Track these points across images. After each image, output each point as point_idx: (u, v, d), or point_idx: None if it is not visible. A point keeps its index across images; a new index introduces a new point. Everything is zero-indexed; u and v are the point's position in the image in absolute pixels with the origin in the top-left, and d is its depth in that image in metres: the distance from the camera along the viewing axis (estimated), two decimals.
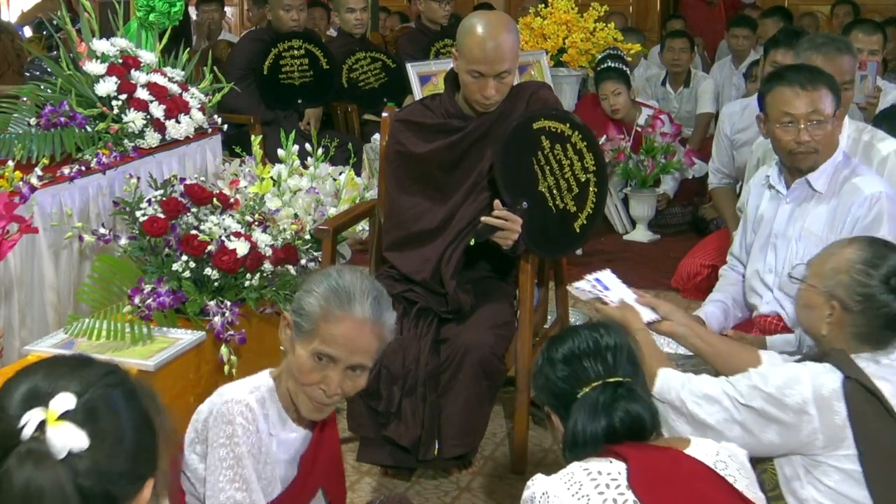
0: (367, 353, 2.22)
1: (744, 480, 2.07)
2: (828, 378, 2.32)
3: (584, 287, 2.86)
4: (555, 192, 3.40)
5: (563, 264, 3.81)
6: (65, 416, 1.27)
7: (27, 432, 1.26)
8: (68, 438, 1.26)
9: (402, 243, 3.51)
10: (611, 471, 2.00)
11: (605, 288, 2.85)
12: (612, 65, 6.17)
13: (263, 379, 2.31)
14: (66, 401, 1.28)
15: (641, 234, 5.95)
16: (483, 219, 3.27)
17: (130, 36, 4.25)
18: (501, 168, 3.33)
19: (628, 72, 6.30)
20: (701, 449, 2.09)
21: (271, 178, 4.28)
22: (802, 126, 3.13)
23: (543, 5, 6.41)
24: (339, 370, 2.20)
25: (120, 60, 4.01)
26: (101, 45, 3.99)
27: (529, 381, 3.56)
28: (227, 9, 9.83)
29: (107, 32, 4.17)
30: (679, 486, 2.00)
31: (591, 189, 3.46)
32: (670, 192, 6.23)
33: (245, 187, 3.96)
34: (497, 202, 3.27)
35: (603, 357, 2.10)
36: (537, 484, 2.03)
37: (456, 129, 3.47)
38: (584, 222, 3.47)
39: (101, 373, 1.35)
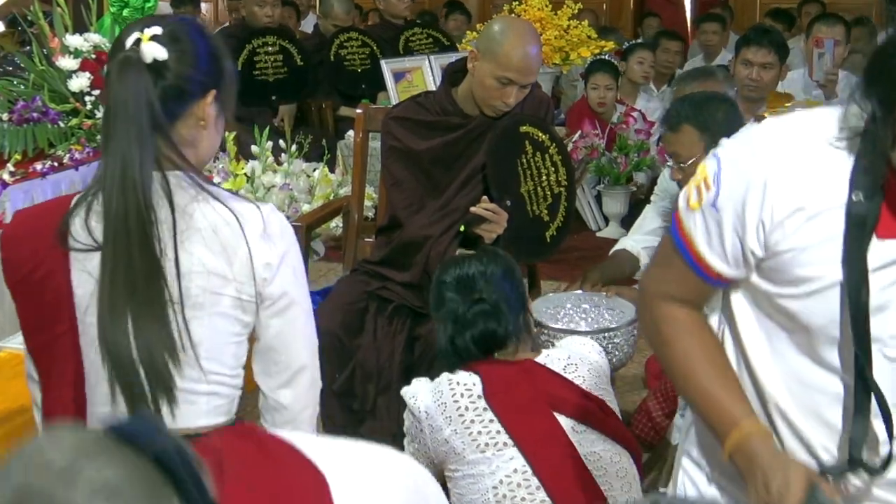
0: None
1: (592, 379, 2.54)
2: None
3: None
4: (533, 197, 3.42)
5: (537, 265, 3.84)
6: (153, 38, 1.85)
7: (127, 46, 1.86)
8: (154, 51, 1.85)
9: (395, 237, 3.51)
10: (467, 382, 2.50)
11: None
12: (607, 58, 6.23)
13: None
14: (155, 29, 1.87)
15: (614, 231, 5.97)
16: (472, 209, 3.29)
17: (104, 31, 4.23)
18: (492, 163, 3.35)
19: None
20: (553, 356, 2.57)
21: (245, 174, 4.29)
22: (673, 165, 3.24)
23: (517, 2, 6.43)
24: None
25: (93, 56, 3.99)
26: (74, 41, 3.98)
27: None
28: (202, 5, 9.80)
29: (80, 28, 4.15)
30: (524, 389, 2.48)
31: (562, 202, 3.51)
32: (644, 185, 6.26)
33: (219, 183, 3.96)
34: (485, 196, 3.29)
35: (474, 280, 2.61)
36: (412, 387, 2.59)
37: (455, 126, 3.46)
38: (555, 233, 3.50)
39: (185, 19, 2.05)
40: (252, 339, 2.00)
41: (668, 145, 3.24)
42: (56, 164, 3.61)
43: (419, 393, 2.56)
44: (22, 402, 2.58)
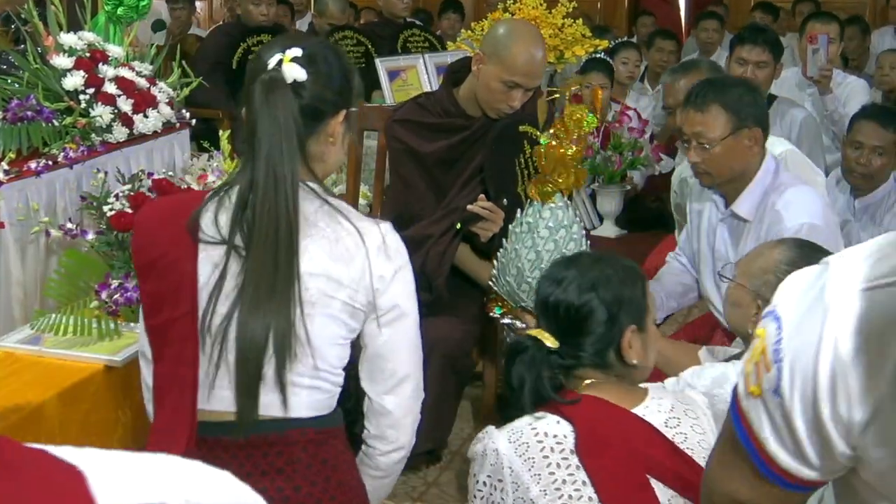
0: None
1: (696, 437, 2.13)
2: None
3: None
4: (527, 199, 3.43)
5: None
6: (294, 59, 2.01)
7: (270, 66, 2.02)
8: (295, 72, 2.00)
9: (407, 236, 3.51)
10: (556, 433, 2.11)
11: None
12: (602, 56, 6.23)
13: None
14: (296, 51, 2.02)
15: (609, 230, 5.97)
16: (469, 207, 3.29)
17: (98, 30, 4.23)
18: (490, 162, 3.35)
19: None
20: (654, 406, 2.17)
21: None
22: (691, 146, 3.13)
23: (512, 1, 6.42)
24: None
25: (87, 54, 3.98)
26: (68, 39, 3.97)
27: (496, 376, 3.58)
28: (196, 3, 9.78)
29: (74, 26, 4.14)
30: (621, 449, 2.10)
31: None
32: (638, 184, 6.26)
33: (213, 182, 3.96)
34: (482, 195, 3.29)
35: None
36: (488, 438, 2.19)
37: (459, 128, 3.47)
38: None
39: (320, 40, 2.21)
40: (358, 344, 2.13)
41: (692, 125, 3.13)
42: (51, 162, 3.61)
43: (499, 443, 2.17)
44: (16, 401, 2.58)
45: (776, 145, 3.51)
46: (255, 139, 2.00)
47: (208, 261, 2.01)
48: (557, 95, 3.38)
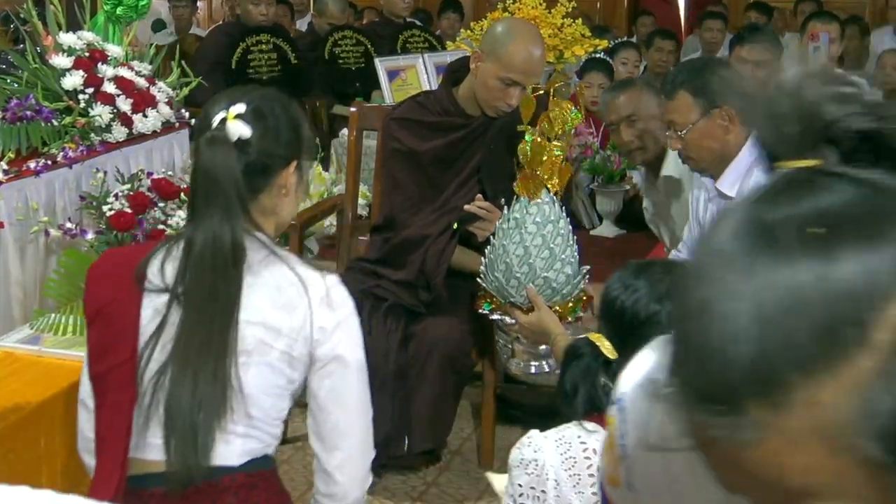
0: None
1: None
2: None
3: None
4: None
5: None
6: (238, 116, 1.98)
7: (214, 125, 1.98)
8: (239, 129, 1.97)
9: (393, 236, 3.51)
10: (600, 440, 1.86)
11: None
12: (601, 56, 6.23)
13: None
14: (240, 107, 1.99)
15: (608, 230, 5.97)
16: (466, 206, 3.29)
17: (97, 29, 4.23)
18: (487, 161, 3.35)
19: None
20: None
21: None
22: (671, 134, 3.21)
23: (511, 1, 6.42)
24: None
25: (87, 54, 3.98)
26: (67, 39, 3.97)
27: (496, 376, 3.58)
28: (198, 3, 9.79)
29: (74, 26, 4.14)
30: None
31: None
32: (638, 184, 6.26)
33: None
34: (479, 195, 3.29)
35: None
36: (533, 446, 2.00)
37: (458, 127, 3.46)
38: None
39: (266, 93, 2.10)
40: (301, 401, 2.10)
41: (667, 114, 3.22)
42: (50, 162, 3.60)
43: (545, 452, 2.00)
44: (16, 401, 2.58)
45: None
46: (196, 198, 2.01)
47: (151, 309, 2.01)
48: (541, 92, 3.37)
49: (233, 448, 1.99)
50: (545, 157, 3.05)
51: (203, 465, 1.95)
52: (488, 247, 3.14)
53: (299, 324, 1.99)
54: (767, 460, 0.69)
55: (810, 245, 0.68)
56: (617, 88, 4.19)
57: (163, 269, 2.01)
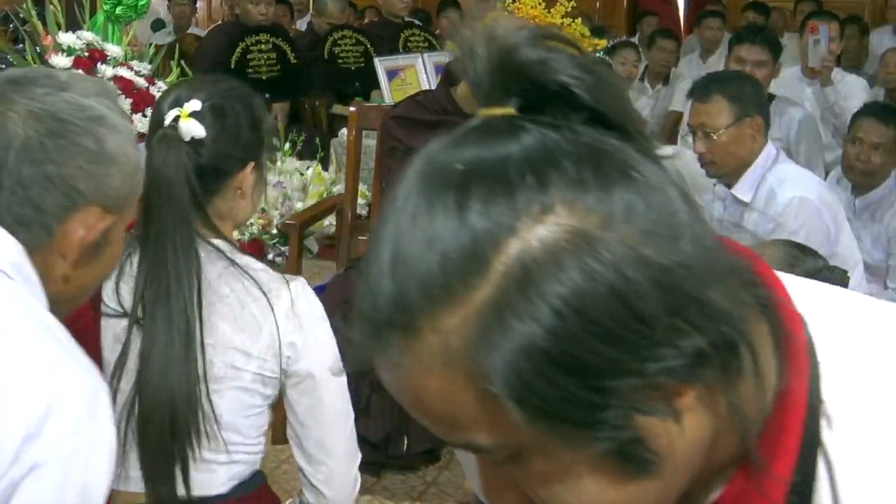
0: None
1: None
2: None
3: None
4: None
5: None
6: (193, 114, 1.85)
7: (167, 122, 1.86)
8: (192, 128, 1.85)
9: None
10: None
11: None
12: (600, 56, 6.25)
13: None
14: (195, 104, 1.86)
15: None
16: None
17: (97, 29, 4.23)
18: None
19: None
20: None
21: None
22: (697, 137, 3.21)
23: (511, 0, 6.42)
24: None
25: (86, 54, 3.98)
26: (67, 39, 3.97)
27: None
28: (197, 3, 9.80)
29: (73, 25, 4.14)
30: None
31: None
32: None
33: None
34: None
35: None
36: None
37: (455, 125, 3.46)
38: None
39: (226, 87, 1.95)
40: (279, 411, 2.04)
41: (696, 117, 3.24)
42: None
43: None
44: None
45: (786, 186, 3.42)
46: (148, 202, 1.85)
47: (111, 334, 1.90)
48: None
49: (217, 476, 1.93)
50: None
51: (184, 496, 1.87)
52: None
53: (267, 343, 1.90)
54: (410, 385, 0.73)
55: (451, 184, 0.74)
56: None
57: (117, 289, 1.89)
